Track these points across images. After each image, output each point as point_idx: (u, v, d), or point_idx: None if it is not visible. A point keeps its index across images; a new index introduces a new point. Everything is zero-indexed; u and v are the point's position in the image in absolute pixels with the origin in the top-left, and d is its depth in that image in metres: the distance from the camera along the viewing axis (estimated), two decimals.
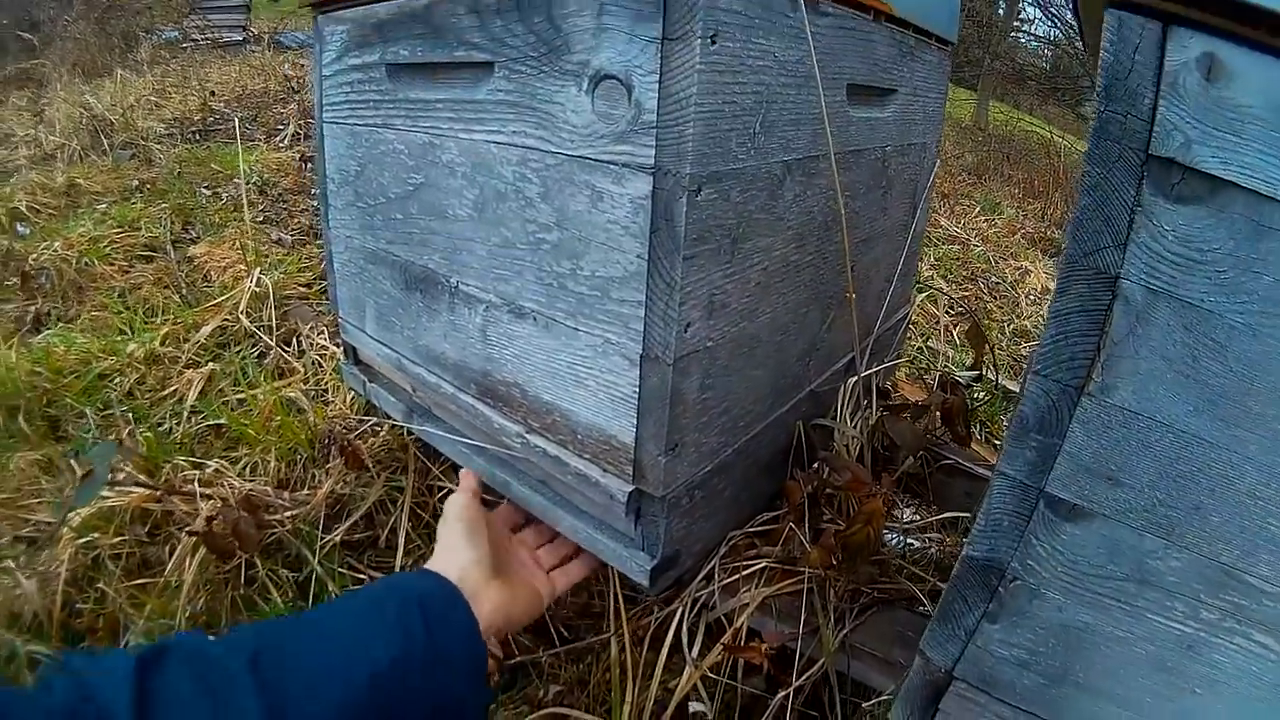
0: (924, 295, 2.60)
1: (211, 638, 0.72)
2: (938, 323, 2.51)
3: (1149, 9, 0.57)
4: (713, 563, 1.13)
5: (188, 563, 1.30)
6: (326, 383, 1.73)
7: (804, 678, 1.08)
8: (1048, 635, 0.77)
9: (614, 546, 1.01)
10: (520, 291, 0.98)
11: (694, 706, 1.09)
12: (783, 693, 1.08)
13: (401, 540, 1.32)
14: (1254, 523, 0.66)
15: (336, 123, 1.28)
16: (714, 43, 0.75)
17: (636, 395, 0.88)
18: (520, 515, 1.16)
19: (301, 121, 4.10)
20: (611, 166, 0.82)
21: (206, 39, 8.13)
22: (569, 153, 0.86)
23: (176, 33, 8.41)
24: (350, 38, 1.18)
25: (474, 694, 0.80)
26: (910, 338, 2.28)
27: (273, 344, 1.91)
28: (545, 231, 0.92)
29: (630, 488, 0.93)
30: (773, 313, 1.02)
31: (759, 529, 1.20)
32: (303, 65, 6.32)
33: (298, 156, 3.47)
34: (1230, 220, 0.59)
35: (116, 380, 1.83)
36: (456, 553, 0.93)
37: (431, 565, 0.92)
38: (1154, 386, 0.65)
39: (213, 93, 4.89)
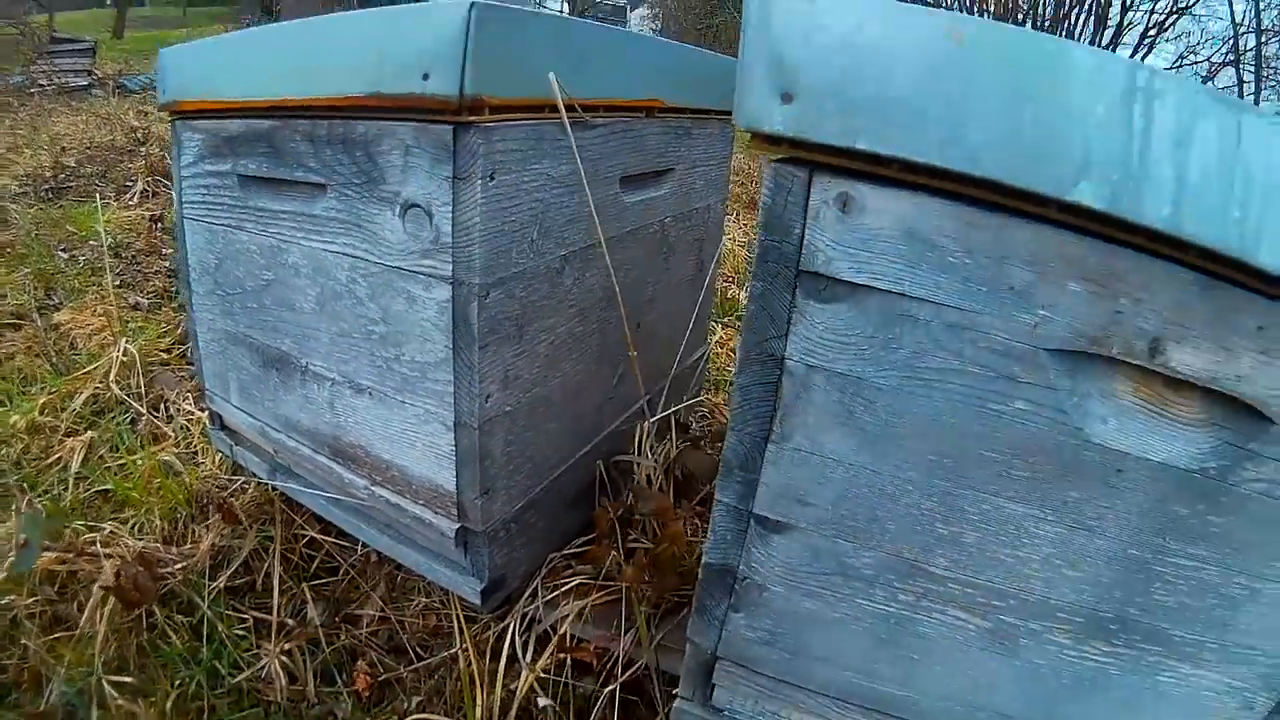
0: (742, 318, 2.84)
1: None
2: None
3: (798, 160, 0.74)
4: (536, 582, 1.35)
5: (99, 615, 1.44)
6: (196, 445, 1.89)
7: (628, 673, 1.30)
8: (781, 619, 0.94)
9: (450, 574, 1.22)
10: (358, 371, 1.18)
11: (542, 701, 1.29)
12: (610, 687, 1.29)
13: (276, 583, 1.50)
14: (925, 527, 0.83)
15: (196, 219, 1.43)
16: (493, 179, 0.98)
17: (454, 452, 1.10)
18: None
19: (149, 178, 4.13)
20: (420, 276, 1.04)
21: (53, 85, 7.95)
22: (388, 263, 1.07)
23: (23, 78, 8.19)
24: (205, 146, 1.33)
25: None
26: (730, 364, 2.52)
27: (143, 411, 2.04)
28: (374, 325, 1.12)
29: (457, 525, 1.15)
30: (562, 376, 1.25)
31: (574, 551, 1.42)
32: (146, 114, 6.25)
33: (147, 216, 3.51)
34: (866, 312, 0.76)
35: (3, 450, 1.93)
36: None
37: None
38: (820, 434, 0.82)
39: (63, 149, 4.86)
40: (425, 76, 0.94)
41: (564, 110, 1.04)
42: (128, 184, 4.17)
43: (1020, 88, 0.66)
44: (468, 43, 0.90)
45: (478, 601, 1.20)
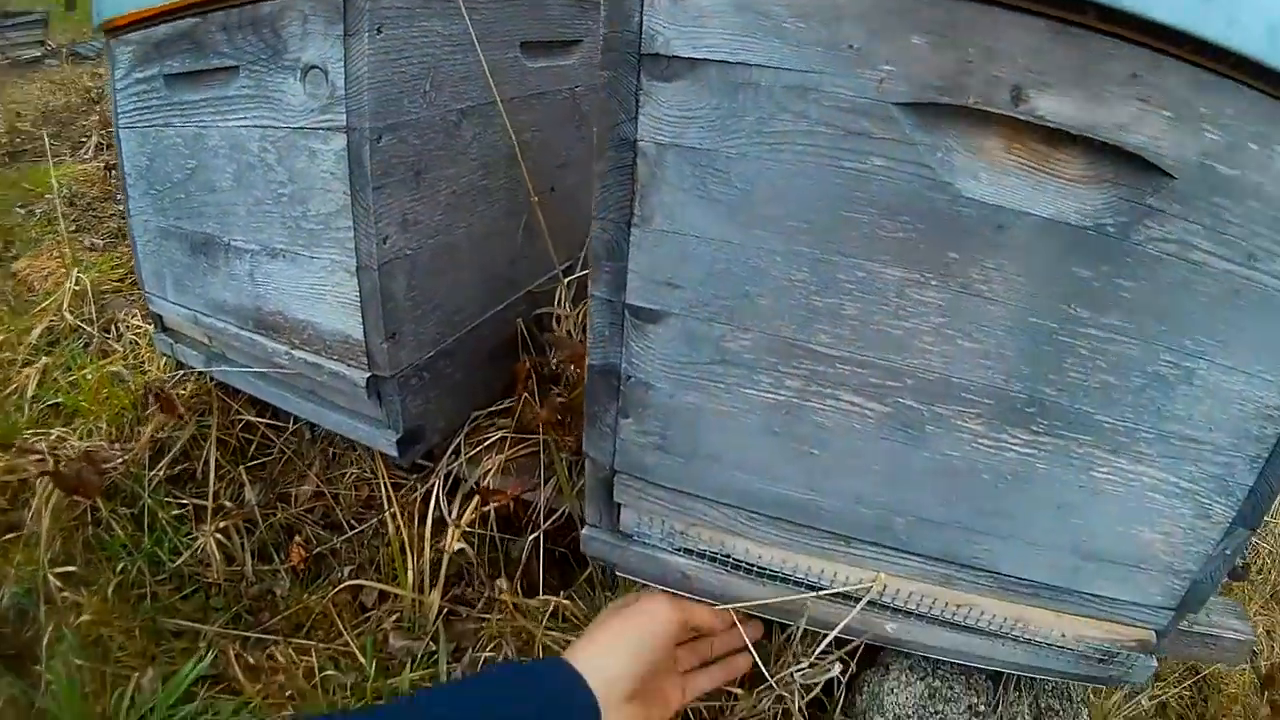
0: None
1: None
2: None
3: None
4: (458, 439, 1.43)
5: (44, 512, 1.52)
6: (144, 356, 1.96)
7: (549, 521, 1.36)
8: (669, 419, 0.94)
9: (369, 429, 1.30)
10: (272, 237, 1.25)
11: (455, 545, 1.36)
12: (533, 534, 1.37)
13: (212, 468, 1.57)
14: (799, 300, 0.82)
15: (129, 127, 1.49)
16: (380, 32, 1.05)
17: (358, 298, 1.18)
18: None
19: (103, 132, 4.14)
20: (320, 131, 1.11)
21: (5, 58, 7.88)
22: (292, 125, 1.15)
23: None
24: (135, 56, 1.40)
25: None
26: None
27: (95, 333, 2.11)
28: (283, 187, 1.20)
29: (367, 374, 1.23)
30: (468, 227, 1.32)
31: (499, 409, 1.49)
32: (100, 75, 6.22)
33: (102, 166, 3.56)
34: (709, 85, 0.77)
35: None
36: (618, 670, 0.89)
37: (585, 656, 0.90)
38: (679, 210, 0.82)
39: (18, 114, 4.90)
40: None
41: None
42: (82, 140, 4.20)
43: None
44: None
45: (394, 453, 1.28)
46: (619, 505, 1.07)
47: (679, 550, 1.06)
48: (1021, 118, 0.70)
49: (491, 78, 1.22)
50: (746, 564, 1.03)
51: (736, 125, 0.78)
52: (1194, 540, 0.89)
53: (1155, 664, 1.02)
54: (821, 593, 1.00)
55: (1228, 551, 0.91)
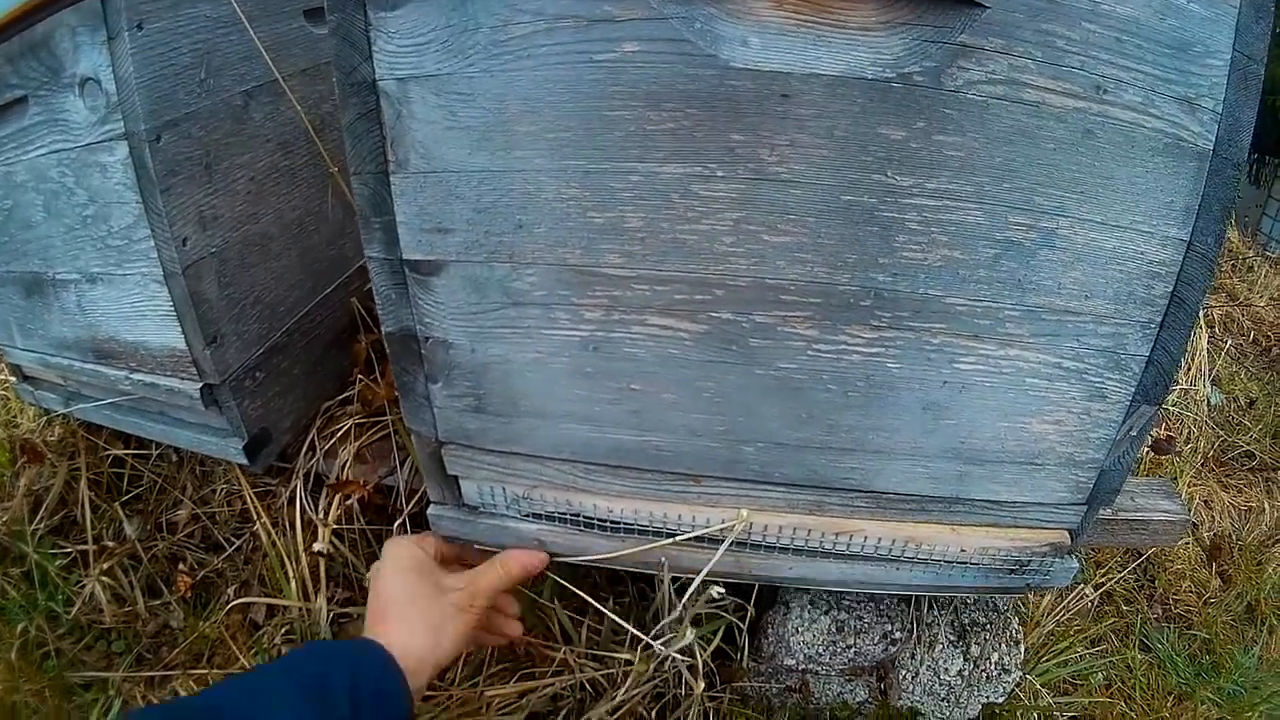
0: None
1: None
2: None
3: None
4: (311, 434, 1.41)
5: None
6: (14, 410, 1.93)
7: (412, 504, 1.34)
8: (479, 378, 0.90)
9: (216, 441, 1.30)
10: (89, 262, 1.24)
11: (318, 546, 1.35)
12: (399, 520, 1.35)
13: (87, 509, 1.56)
14: (578, 221, 0.77)
15: None
16: (141, 29, 1.04)
17: (173, 307, 1.17)
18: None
19: None
20: (105, 143, 1.10)
21: None
22: (81, 143, 1.14)
23: None
24: None
25: None
26: None
27: None
28: (86, 209, 1.18)
29: (199, 384, 1.22)
30: (276, 212, 1.30)
31: (348, 396, 1.47)
32: None
33: None
34: (436, 3, 0.72)
35: None
36: (418, 646, 0.86)
37: (380, 625, 0.88)
38: (434, 147, 0.77)
39: None
40: None
41: None
42: None
43: None
44: None
45: (244, 460, 1.27)
46: (455, 478, 1.04)
47: (527, 516, 1.04)
48: None
49: (277, 52, 1.21)
50: (599, 520, 1.00)
51: (472, 40, 0.72)
52: (1091, 425, 0.83)
53: (1077, 564, 0.97)
54: (678, 539, 0.97)
55: (1133, 432, 0.85)
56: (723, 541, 0.95)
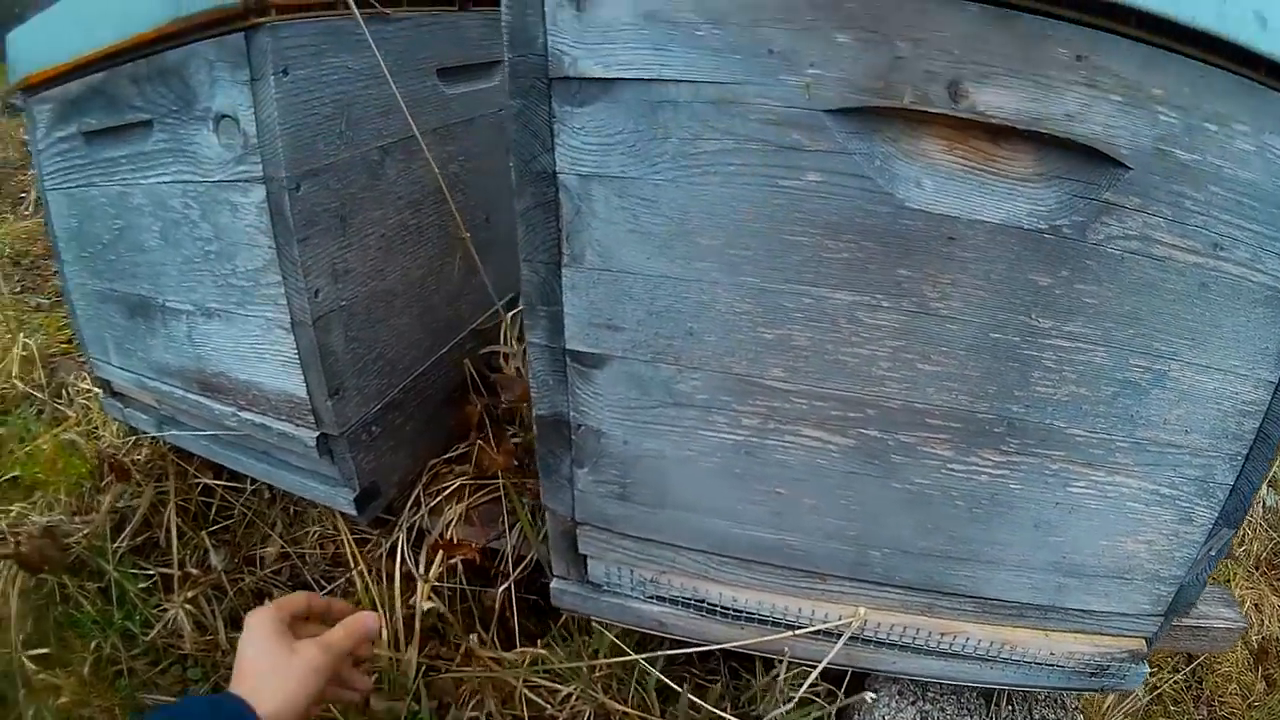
0: None
1: None
2: None
3: None
4: (417, 490, 1.37)
5: (10, 593, 1.46)
6: (96, 421, 1.90)
7: (520, 569, 1.32)
8: (628, 468, 0.91)
9: (324, 489, 1.25)
10: (205, 296, 1.19)
11: (426, 605, 1.31)
12: (504, 585, 1.31)
13: (175, 536, 1.52)
14: (747, 334, 0.79)
15: (55, 189, 1.45)
16: (286, 74, 0.99)
17: (297, 355, 1.12)
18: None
19: None
20: (238, 183, 1.05)
21: None
22: (211, 179, 1.09)
23: None
24: (54, 114, 1.35)
25: None
26: None
27: (46, 399, 2.05)
28: (210, 244, 1.14)
29: (316, 433, 1.17)
30: (403, 270, 1.26)
31: (457, 455, 1.43)
32: None
33: (44, 222, 3.50)
34: (626, 106, 0.73)
35: None
36: (264, 681, 0.91)
37: (240, 686, 0.90)
38: (611, 246, 0.79)
39: None
40: None
41: (353, 4, 1.05)
42: (22, 196, 4.13)
43: None
44: None
45: (353, 511, 1.22)
46: (585, 557, 1.03)
47: (652, 598, 1.03)
48: (962, 115, 0.66)
49: (410, 110, 1.16)
50: (722, 608, 1.00)
51: (660, 149, 0.73)
52: (1177, 545, 0.87)
53: (1147, 669, 0.99)
54: (798, 631, 0.98)
55: (1212, 552, 0.89)
56: (840, 636, 0.97)
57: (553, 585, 1.09)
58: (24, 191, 4.13)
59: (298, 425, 1.19)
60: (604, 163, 0.76)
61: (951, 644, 0.98)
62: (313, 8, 1.02)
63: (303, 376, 1.13)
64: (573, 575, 1.07)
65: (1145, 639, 0.97)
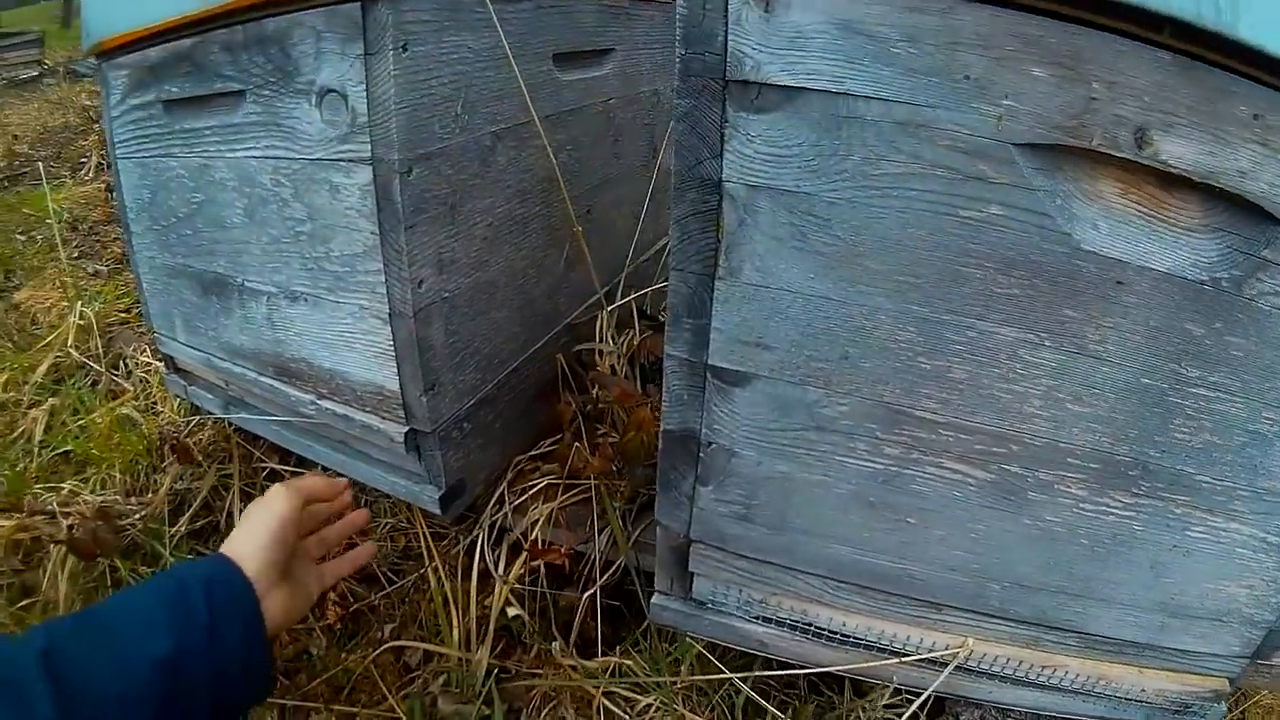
0: None
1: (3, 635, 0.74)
2: None
3: None
4: (502, 488, 1.31)
5: (60, 576, 1.41)
6: (155, 396, 1.85)
7: (606, 575, 1.26)
8: (755, 488, 0.88)
9: (406, 484, 1.19)
10: (291, 279, 1.14)
11: (511, 611, 1.26)
12: (589, 591, 1.26)
13: (238, 521, 1.46)
14: (905, 363, 0.76)
15: (128, 157, 1.39)
16: (405, 50, 0.93)
17: (393, 348, 1.06)
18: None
19: (103, 151, 4.06)
20: (341, 163, 0.99)
21: (2, 80, 7.82)
22: (309, 157, 1.03)
23: None
24: (130, 81, 1.29)
25: (248, 679, 0.80)
26: None
27: (103, 370, 2.00)
28: (301, 225, 1.08)
29: (405, 428, 1.11)
30: (506, 261, 1.20)
31: (542, 452, 1.38)
32: (99, 93, 6.18)
33: (103, 187, 3.45)
34: (809, 118, 0.69)
35: None
36: (259, 550, 0.90)
37: (229, 550, 0.90)
38: (773, 262, 0.75)
39: (15, 137, 4.79)
40: None
41: None
42: (82, 160, 4.10)
43: None
44: None
45: (437, 509, 1.17)
46: (692, 573, 1.00)
47: (757, 619, 1.00)
48: (1144, 162, 0.65)
49: (527, 94, 1.10)
50: (829, 631, 0.98)
51: (840, 166, 0.70)
52: (1274, 590, 0.86)
53: (1225, 708, 0.98)
54: (906, 658, 0.96)
55: None
56: (945, 665, 0.95)
57: (653, 600, 1.05)
58: (84, 157, 4.11)
59: (384, 419, 1.13)
60: (777, 175, 0.73)
61: (1050, 677, 0.95)
62: None
63: (396, 369, 1.07)
64: (675, 591, 1.04)
65: (1229, 679, 0.95)
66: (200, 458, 1.51)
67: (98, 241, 2.99)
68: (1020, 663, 0.95)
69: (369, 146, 0.96)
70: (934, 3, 0.63)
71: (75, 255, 2.82)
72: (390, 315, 1.04)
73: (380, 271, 1.01)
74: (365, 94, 0.94)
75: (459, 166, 1.05)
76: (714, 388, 0.84)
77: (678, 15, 0.71)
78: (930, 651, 0.94)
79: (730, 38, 0.69)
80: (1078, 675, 0.94)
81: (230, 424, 1.49)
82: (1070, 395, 0.75)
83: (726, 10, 0.69)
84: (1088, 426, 0.76)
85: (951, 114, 0.66)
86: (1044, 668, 0.94)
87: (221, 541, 1.44)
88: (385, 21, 0.90)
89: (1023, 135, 0.65)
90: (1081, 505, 0.80)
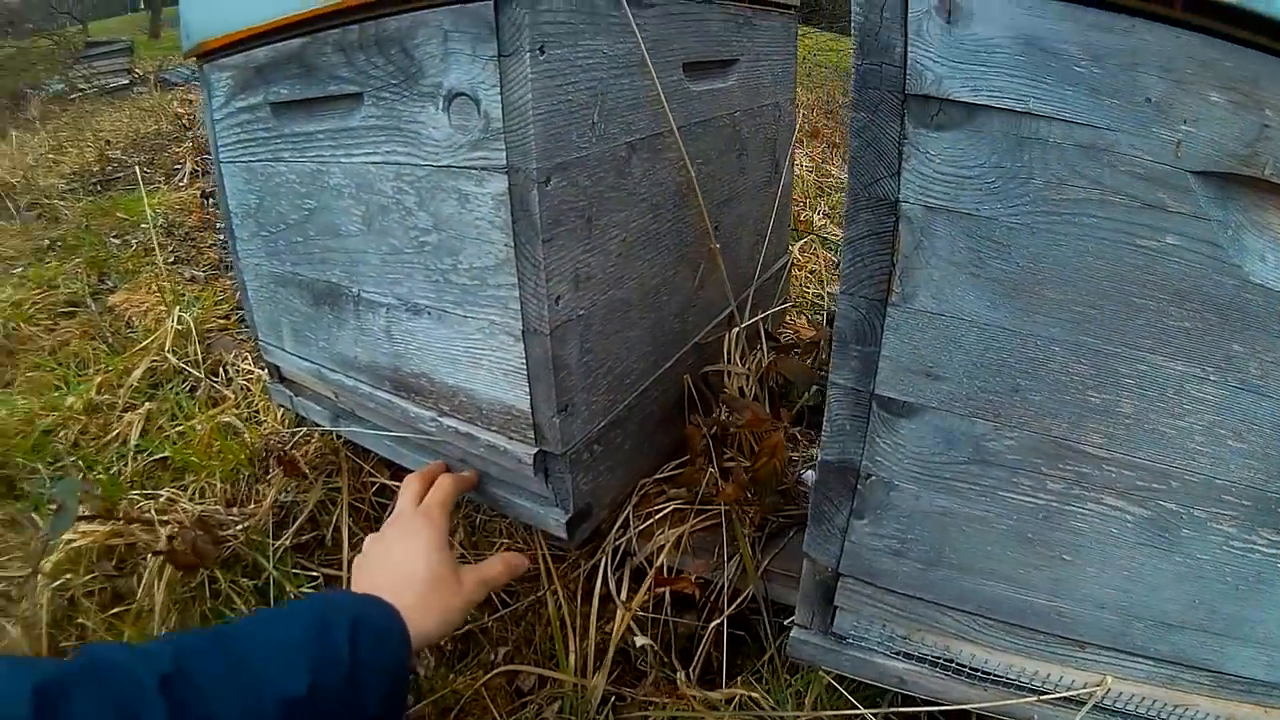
0: (821, 243, 2.75)
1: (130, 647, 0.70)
2: (836, 267, 2.64)
3: None
4: (626, 511, 1.25)
5: (156, 585, 1.38)
6: (257, 404, 1.82)
7: (734, 605, 1.20)
8: (912, 523, 0.86)
9: (531, 507, 1.13)
10: (413, 291, 1.09)
11: (640, 641, 1.20)
12: (716, 620, 1.20)
13: (345, 537, 1.42)
14: (1074, 396, 0.74)
15: (232, 161, 1.36)
16: (543, 53, 0.87)
17: (525, 366, 1.00)
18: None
19: (197, 158, 4.11)
20: (472, 171, 0.93)
21: (93, 88, 8.03)
22: (435, 164, 0.97)
23: (62, 85, 8.30)
24: (235, 82, 1.26)
25: (388, 714, 0.79)
26: (808, 284, 2.41)
27: (202, 376, 1.98)
28: (426, 235, 1.03)
29: (534, 450, 1.05)
30: (639, 278, 1.14)
31: (667, 476, 1.32)
32: (191, 101, 6.26)
33: (199, 193, 3.50)
34: (990, 138, 0.67)
35: (61, 434, 1.88)
36: (424, 605, 0.90)
37: (387, 592, 0.88)
38: (949, 289, 0.74)
39: (108, 142, 4.88)
40: None
41: None
42: (176, 167, 4.15)
43: None
44: None
45: (563, 534, 1.11)
46: (835, 607, 0.98)
47: (898, 654, 0.98)
48: None
49: (658, 104, 1.05)
50: (970, 669, 0.95)
51: (1021, 189, 0.68)
52: None
53: None
54: (1044, 696, 0.93)
55: None
56: (1083, 703, 0.92)
57: (793, 634, 1.02)
58: (178, 164, 4.17)
59: (512, 438, 1.07)
60: (956, 196, 0.70)
61: (1182, 716, 0.91)
62: None
63: (528, 389, 1.01)
64: (816, 625, 1.00)
65: None
66: (307, 470, 1.47)
67: (193, 247, 3.01)
68: (1155, 702, 0.90)
69: (504, 154, 0.90)
70: (1118, 20, 0.60)
71: (171, 260, 2.84)
72: (523, 332, 0.98)
73: (514, 286, 0.95)
74: (500, 98, 0.88)
75: (595, 178, 0.99)
76: (879, 418, 0.82)
77: (854, 22, 0.68)
78: (1069, 690, 0.91)
79: (910, 49, 0.67)
80: (1209, 714, 0.90)
81: (339, 436, 1.45)
82: (1231, 431, 0.72)
83: (906, 19, 0.66)
84: (1245, 463, 0.73)
85: (1132, 138, 0.63)
86: (1176, 706, 0.90)
87: (326, 555, 1.44)
88: (521, 21, 0.84)
89: (1199, 163, 0.63)
90: (1231, 543, 0.77)
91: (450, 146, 0.95)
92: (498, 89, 0.88)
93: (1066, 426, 0.76)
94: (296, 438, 1.56)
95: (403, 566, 0.95)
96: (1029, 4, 0.62)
